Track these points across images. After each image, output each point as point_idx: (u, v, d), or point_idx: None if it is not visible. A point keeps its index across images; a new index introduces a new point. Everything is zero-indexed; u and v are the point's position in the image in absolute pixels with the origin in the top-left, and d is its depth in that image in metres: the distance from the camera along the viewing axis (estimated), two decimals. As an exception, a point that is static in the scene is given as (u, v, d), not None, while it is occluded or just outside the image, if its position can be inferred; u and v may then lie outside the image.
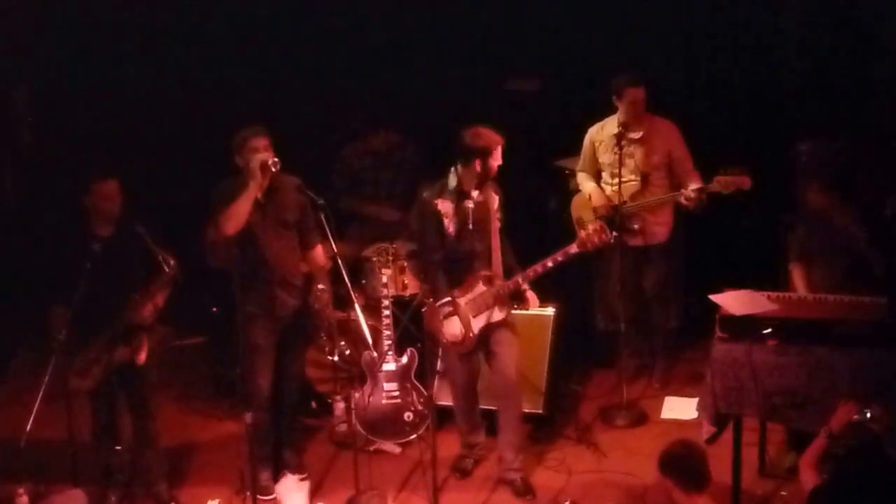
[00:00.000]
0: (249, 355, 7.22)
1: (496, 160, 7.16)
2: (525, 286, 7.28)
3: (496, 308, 7.25)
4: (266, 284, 7.24)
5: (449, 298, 7.21)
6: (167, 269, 7.01)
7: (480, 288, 7.27)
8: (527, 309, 7.50)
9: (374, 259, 7.93)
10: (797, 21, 9.06)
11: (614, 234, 7.86)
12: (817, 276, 7.15)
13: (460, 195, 7.21)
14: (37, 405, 6.66)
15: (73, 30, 9.56)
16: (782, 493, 7.16)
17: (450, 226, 7.23)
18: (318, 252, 7.52)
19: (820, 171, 7.27)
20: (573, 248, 7.15)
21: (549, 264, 7.17)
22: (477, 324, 7.27)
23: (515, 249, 7.42)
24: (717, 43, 9.16)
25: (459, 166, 7.19)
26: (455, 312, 7.23)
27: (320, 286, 7.38)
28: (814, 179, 7.21)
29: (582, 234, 7.18)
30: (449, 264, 7.27)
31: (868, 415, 5.83)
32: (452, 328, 7.25)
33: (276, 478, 7.56)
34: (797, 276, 7.26)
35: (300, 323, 7.52)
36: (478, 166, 7.13)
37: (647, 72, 8.24)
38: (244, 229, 7.09)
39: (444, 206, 7.23)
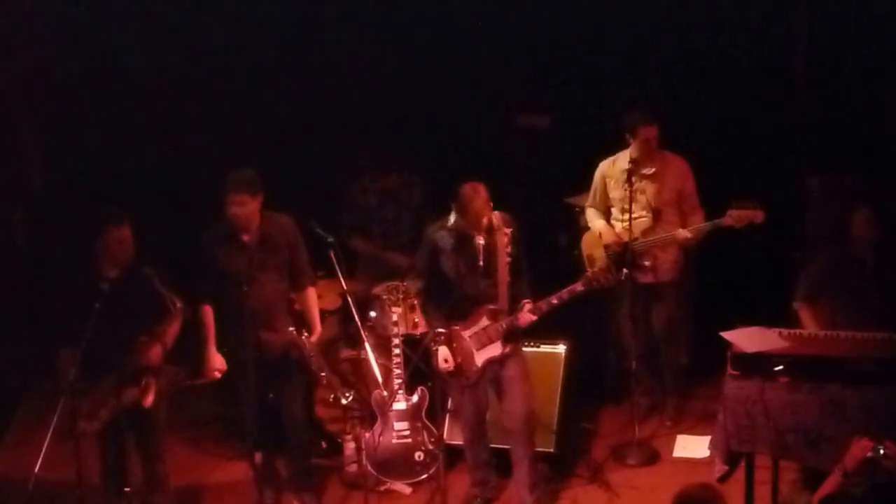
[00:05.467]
0: (238, 395, 7.35)
1: (468, 221, 7.12)
2: (526, 322, 7.24)
3: (498, 343, 7.25)
4: (250, 328, 7.24)
5: (441, 329, 7.22)
6: (175, 311, 7.02)
7: (484, 322, 7.27)
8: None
9: (385, 297, 7.88)
10: (805, 56, 9.03)
11: (625, 271, 7.85)
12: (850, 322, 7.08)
13: (459, 235, 7.21)
14: (45, 447, 6.62)
15: (81, 71, 9.59)
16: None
17: (447, 260, 7.25)
18: (309, 294, 7.57)
19: None
20: (579, 287, 7.16)
21: (555, 302, 7.18)
22: (480, 357, 7.28)
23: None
24: (726, 78, 9.13)
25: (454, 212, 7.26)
26: (450, 342, 7.23)
27: (306, 334, 7.36)
28: None
29: (588, 272, 7.19)
30: (453, 300, 7.28)
31: (882, 452, 5.80)
32: (443, 355, 7.25)
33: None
34: (807, 317, 7.22)
35: (289, 362, 7.46)
36: (462, 219, 7.17)
37: (658, 106, 8.22)
38: (229, 273, 7.19)
39: (442, 239, 7.27)
